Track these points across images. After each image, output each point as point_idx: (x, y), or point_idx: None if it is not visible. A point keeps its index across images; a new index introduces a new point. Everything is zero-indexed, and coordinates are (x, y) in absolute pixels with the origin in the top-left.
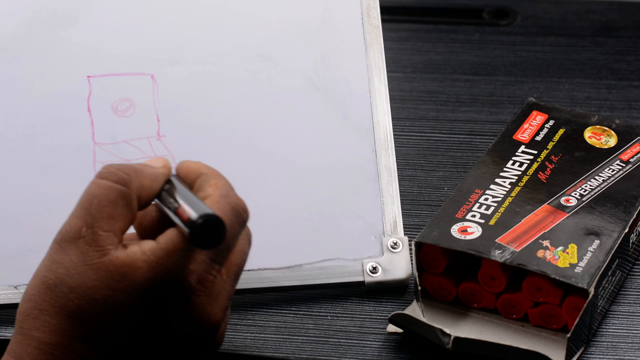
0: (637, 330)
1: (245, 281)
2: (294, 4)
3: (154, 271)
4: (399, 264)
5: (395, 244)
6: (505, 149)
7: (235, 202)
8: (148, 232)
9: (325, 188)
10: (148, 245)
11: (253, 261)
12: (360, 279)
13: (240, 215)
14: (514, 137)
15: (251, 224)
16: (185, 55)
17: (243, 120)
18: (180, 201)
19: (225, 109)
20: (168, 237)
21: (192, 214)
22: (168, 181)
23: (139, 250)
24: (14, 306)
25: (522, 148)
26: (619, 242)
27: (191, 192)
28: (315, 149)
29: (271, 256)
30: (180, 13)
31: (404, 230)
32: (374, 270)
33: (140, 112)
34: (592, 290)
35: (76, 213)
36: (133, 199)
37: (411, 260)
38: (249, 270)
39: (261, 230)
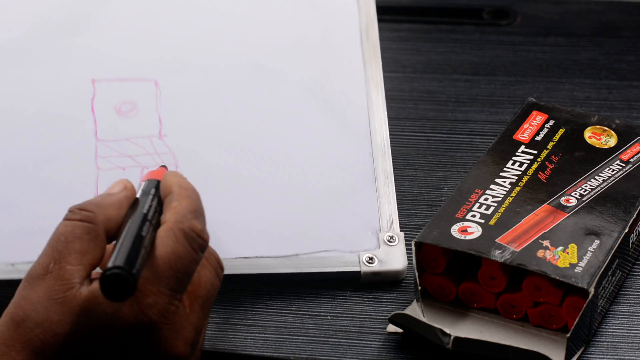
0: (637, 330)
1: (242, 267)
2: (295, 24)
3: (114, 307)
4: (395, 256)
5: (392, 237)
6: (505, 149)
7: (190, 227)
8: None
9: (323, 188)
10: None
11: (251, 249)
12: (356, 269)
13: (195, 240)
14: (514, 137)
15: (250, 217)
16: (189, 64)
17: (243, 124)
18: (118, 241)
19: (226, 114)
20: None
21: (108, 263)
22: (134, 202)
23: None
24: (10, 282)
25: (522, 148)
26: (619, 242)
27: (133, 226)
28: (313, 152)
29: (269, 246)
30: (185, 24)
31: (404, 231)
32: (371, 260)
33: (143, 114)
34: (592, 290)
35: (44, 252)
36: (100, 233)
37: (409, 258)
38: (246, 257)
39: (259, 223)
